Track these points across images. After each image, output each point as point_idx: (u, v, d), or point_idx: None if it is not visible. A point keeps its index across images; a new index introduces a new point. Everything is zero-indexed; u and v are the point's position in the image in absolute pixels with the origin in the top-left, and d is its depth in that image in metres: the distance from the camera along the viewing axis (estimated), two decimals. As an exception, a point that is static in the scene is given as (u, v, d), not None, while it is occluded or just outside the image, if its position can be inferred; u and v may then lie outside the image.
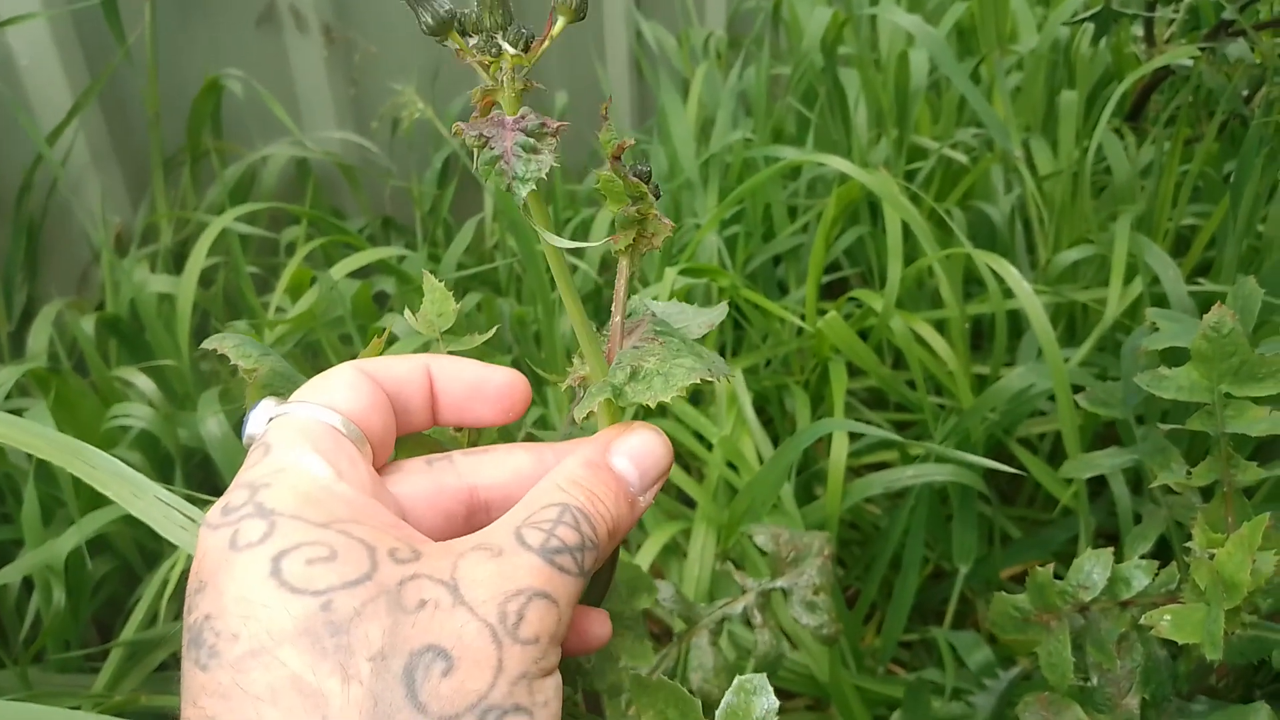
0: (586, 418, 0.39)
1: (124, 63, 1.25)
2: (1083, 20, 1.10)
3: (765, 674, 0.40)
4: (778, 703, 0.39)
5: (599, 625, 0.42)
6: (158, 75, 1.29)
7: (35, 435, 0.47)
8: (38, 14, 1.14)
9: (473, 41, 0.36)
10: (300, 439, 0.35)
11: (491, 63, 0.36)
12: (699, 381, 0.37)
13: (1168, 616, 0.51)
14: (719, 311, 0.47)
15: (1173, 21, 1.24)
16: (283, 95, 1.46)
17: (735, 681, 0.40)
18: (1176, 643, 0.50)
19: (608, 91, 1.69)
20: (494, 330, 0.46)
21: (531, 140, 0.35)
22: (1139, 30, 1.28)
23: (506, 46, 0.35)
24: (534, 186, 0.34)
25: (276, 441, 0.35)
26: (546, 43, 0.36)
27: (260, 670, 0.29)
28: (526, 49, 0.35)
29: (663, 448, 0.39)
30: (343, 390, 0.37)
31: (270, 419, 0.36)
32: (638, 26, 1.77)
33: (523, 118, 0.35)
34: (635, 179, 0.38)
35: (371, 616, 0.30)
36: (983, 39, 1.32)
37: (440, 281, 0.50)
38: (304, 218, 1.33)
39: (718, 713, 0.39)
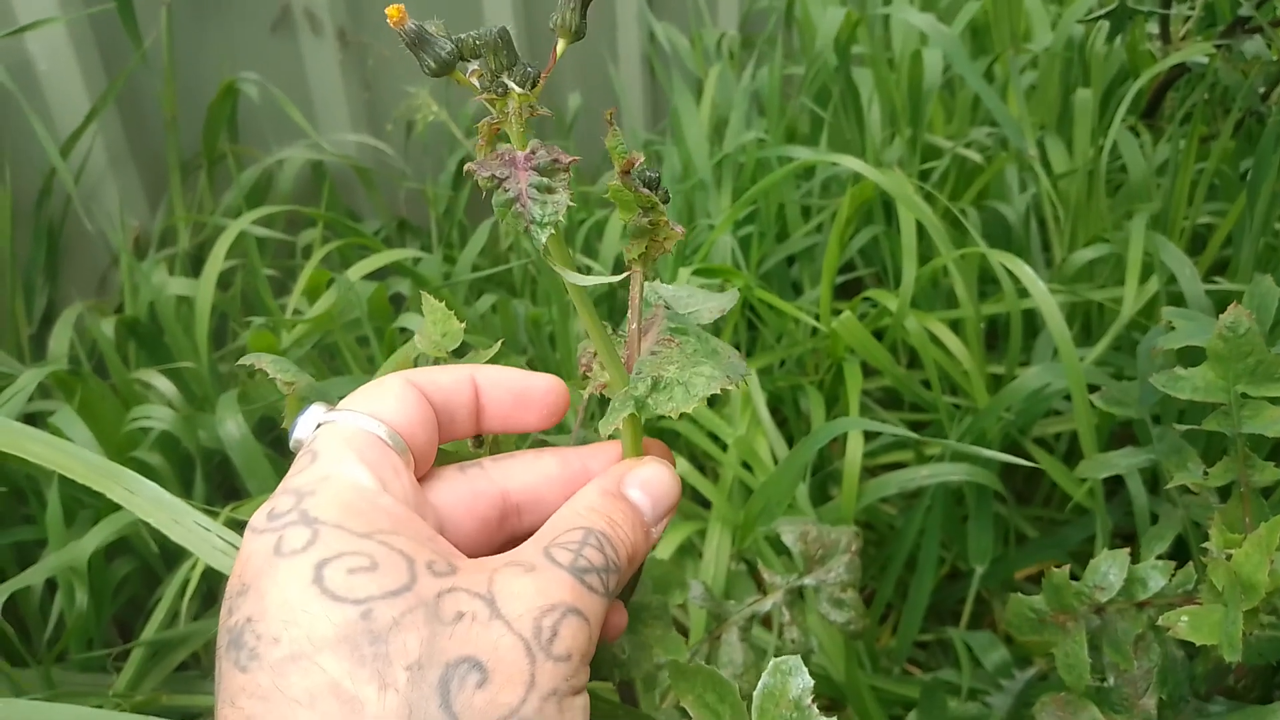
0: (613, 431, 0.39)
1: (141, 67, 1.26)
2: (1097, 18, 1.09)
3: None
4: (812, 682, 0.40)
5: (616, 615, 0.43)
6: (174, 79, 1.30)
7: (74, 458, 0.48)
8: (56, 19, 1.16)
9: (477, 78, 0.36)
10: (346, 448, 0.36)
11: (498, 100, 0.36)
12: (719, 391, 0.38)
13: (1185, 618, 0.51)
14: (729, 298, 0.47)
15: (1189, 19, 1.23)
16: (298, 99, 1.47)
17: (771, 663, 0.40)
18: (1194, 643, 0.50)
19: (621, 93, 1.69)
20: (499, 343, 0.47)
21: (545, 180, 0.34)
22: (1155, 28, 1.28)
23: (513, 86, 0.35)
24: (553, 230, 0.34)
25: (323, 449, 0.36)
26: (554, 61, 0.36)
27: (299, 675, 0.29)
28: (533, 86, 0.35)
29: (672, 479, 0.41)
30: (390, 401, 0.38)
31: (318, 425, 0.37)
32: (650, 27, 1.77)
33: (533, 153, 0.35)
34: (646, 190, 0.38)
35: (410, 626, 0.30)
36: (996, 37, 1.32)
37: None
38: (320, 220, 1.34)
39: (755, 693, 0.40)
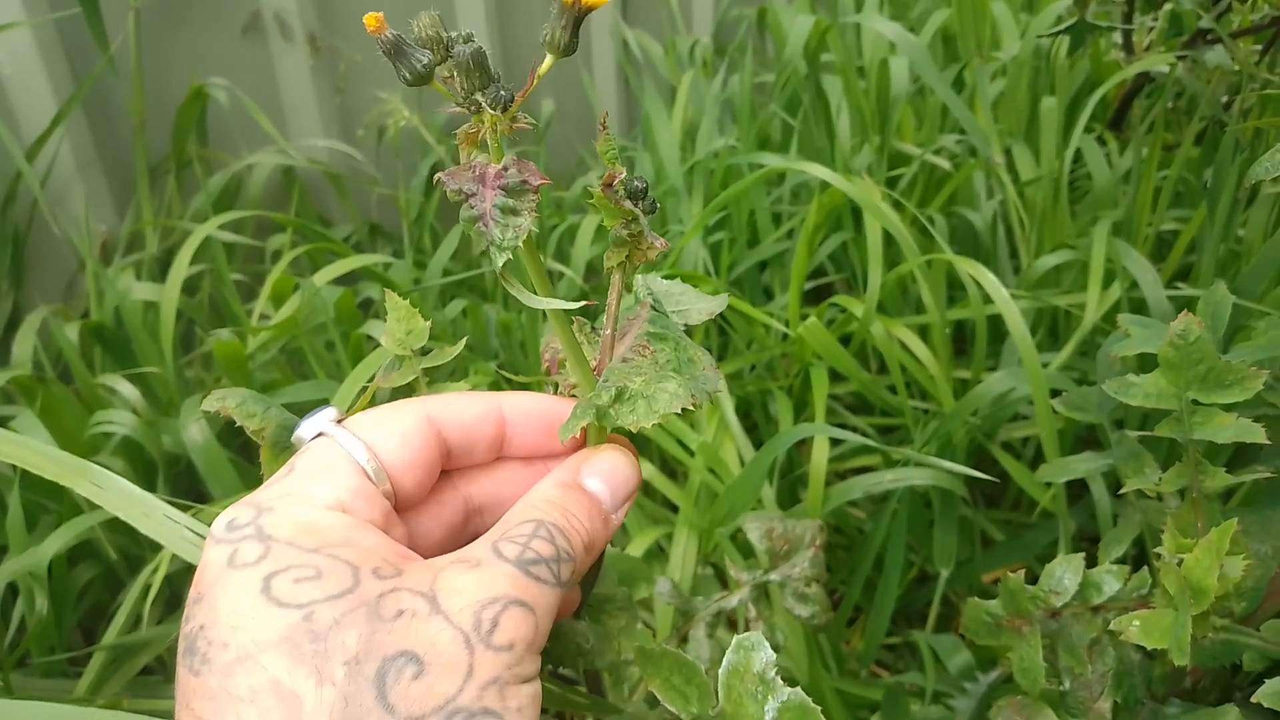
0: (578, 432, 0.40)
1: (110, 72, 1.25)
2: (1058, 33, 1.10)
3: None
4: (774, 655, 0.40)
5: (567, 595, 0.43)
6: (143, 84, 1.29)
7: (42, 455, 0.48)
8: (21, 23, 1.15)
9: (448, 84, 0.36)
10: (325, 472, 0.37)
11: (474, 115, 0.36)
12: (679, 411, 0.38)
13: (1136, 622, 0.52)
14: (719, 301, 0.47)
15: (1152, 29, 1.25)
16: (268, 104, 1.47)
17: (734, 640, 0.41)
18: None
19: (594, 99, 1.70)
20: (463, 342, 0.47)
21: (510, 201, 0.34)
22: (1120, 38, 1.29)
23: (485, 106, 0.35)
24: (510, 256, 0.34)
25: (303, 466, 0.37)
26: (534, 83, 0.36)
27: (244, 675, 0.31)
28: (505, 109, 0.35)
29: (631, 467, 0.42)
30: (393, 436, 0.38)
31: (318, 434, 0.38)
32: (624, 35, 1.77)
33: (505, 170, 0.35)
34: (628, 204, 0.38)
35: (349, 625, 0.31)
36: (963, 46, 1.33)
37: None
38: (289, 226, 1.33)
39: (720, 670, 0.40)
